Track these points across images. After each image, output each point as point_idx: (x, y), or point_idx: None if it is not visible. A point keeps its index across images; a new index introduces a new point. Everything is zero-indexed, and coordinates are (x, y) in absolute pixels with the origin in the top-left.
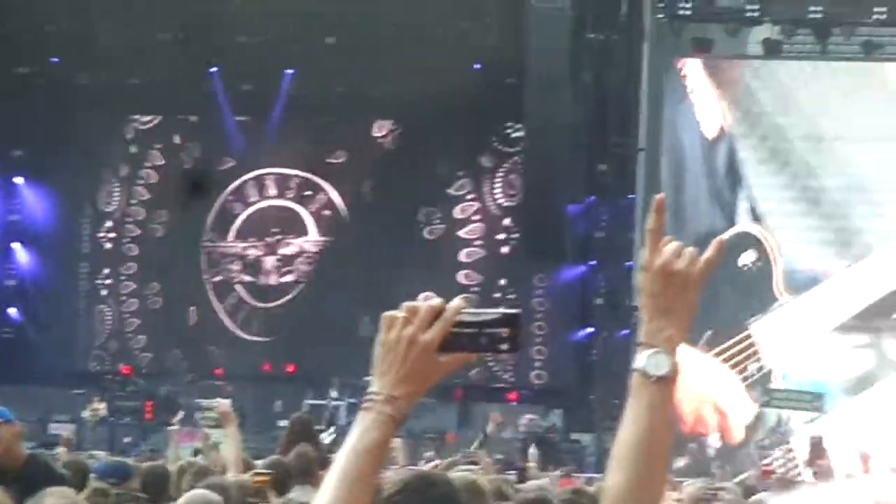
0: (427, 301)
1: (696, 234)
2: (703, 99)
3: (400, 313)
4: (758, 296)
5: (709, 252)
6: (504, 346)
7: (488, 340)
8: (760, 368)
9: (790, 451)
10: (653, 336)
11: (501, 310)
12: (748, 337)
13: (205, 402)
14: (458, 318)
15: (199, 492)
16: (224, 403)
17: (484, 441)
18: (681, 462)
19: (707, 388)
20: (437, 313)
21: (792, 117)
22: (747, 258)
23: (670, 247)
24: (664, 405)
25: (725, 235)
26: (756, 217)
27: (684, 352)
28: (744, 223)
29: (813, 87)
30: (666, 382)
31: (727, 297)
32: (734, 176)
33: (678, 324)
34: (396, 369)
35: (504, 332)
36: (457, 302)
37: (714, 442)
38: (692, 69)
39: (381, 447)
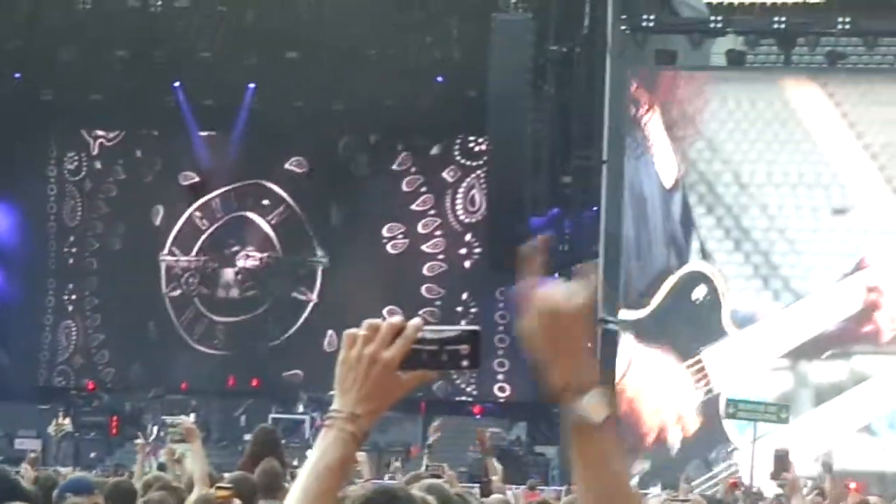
0: (388, 319)
1: (654, 272)
2: (660, 151)
3: (361, 331)
4: (707, 327)
5: (581, 282)
6: (464, 363)
7: (449, 357)
8: (709, 391)
9: (732, 465)
10: (576, 382)
11: (461, 326)
12: (699, 362)
13: (169, 419)
14: (418, 336)
15: None
16: (187, 420)
17: (429, 450)
18: (645, 465)
19: (666, 395)
20: (397, 331)
21: (722, 166)
22: (699, 293)
23: (547, 290)
24: (617, 446)
25: (677, 274)
26: (705, 255)
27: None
28: (695, 262)
29: (737, 137)
30: (611, 423)
31: (681, 328)
32: (687, 220)
33: (588, 362)
34: (358, 387)
35: (464, 348)
36: (417, 320)
37: (675, 443)
38: (653, 125)
39: (343, 465)
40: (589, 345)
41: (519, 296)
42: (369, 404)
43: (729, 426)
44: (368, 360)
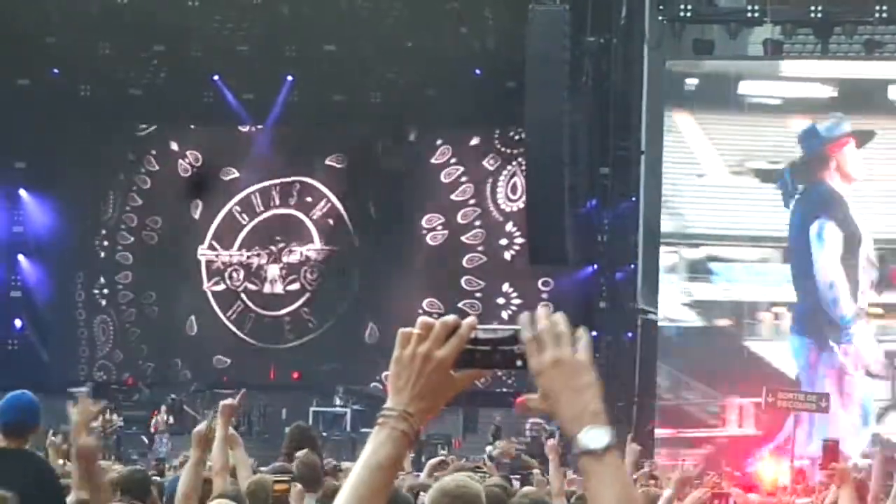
0: (443, 318)
1: None
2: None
3: (415, 329)
4: None
5: (579, 333)
6: (518, 363)
7: (502, 357)
8: None
9: None
10: (578, 420)
11: (514, 326)
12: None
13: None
14: (472, 335)
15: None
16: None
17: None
18: None
19: None
20: (451, 330)
21: None
22: None
23: (547, 337)
24: (622, 472)
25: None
26: None
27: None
28: None
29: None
30: (613, 451)
31: None
32: None
33: (592, 399)
34: (411, 386)
35: (517, 348)
36: (471, 318)
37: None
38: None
39: (395, 463)
40: (590, 384)
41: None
42: (422, 403)
43: None
44: (422, 358)
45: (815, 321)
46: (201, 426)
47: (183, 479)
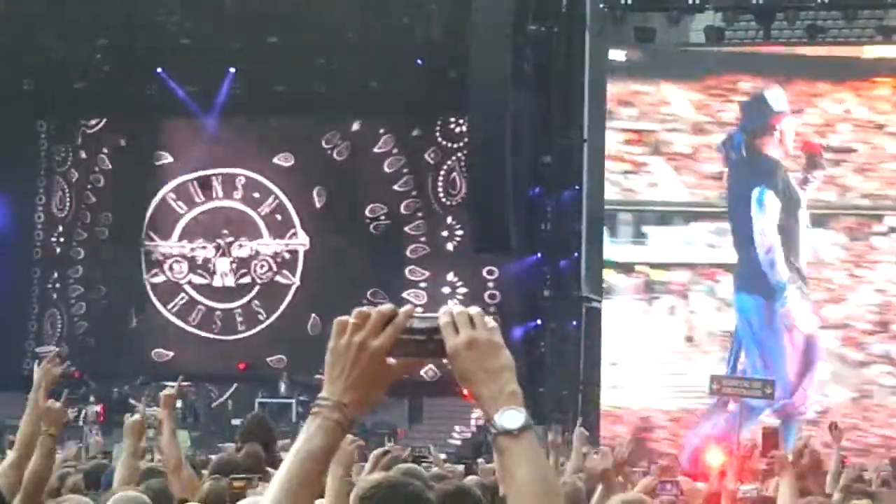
0: (378, 307)
1: None
2: None
3: (351, 319)
4: None
5: (490, 319)
6: None
7: (437, 346)
8: None
9: None
10: (495, 401)
11: None
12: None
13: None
14: (407, 324)
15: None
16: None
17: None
18: None
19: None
20: (387, 319)
21: None
22: None
23: (460, 319)
24: (537, 451)
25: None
26: None
27: None
28: None
29: None
30: (528, 432)
31: None
32: None
33: (508, 380)
34: (346, 376)
35: None
36: (407, 307)
37: None
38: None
39: (327, 452)
40: (501, 367)
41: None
42: (357, 392)
43: None
44: (357, 347)
45: (758, 284)
46: (136, 416)
47: (119, 470)
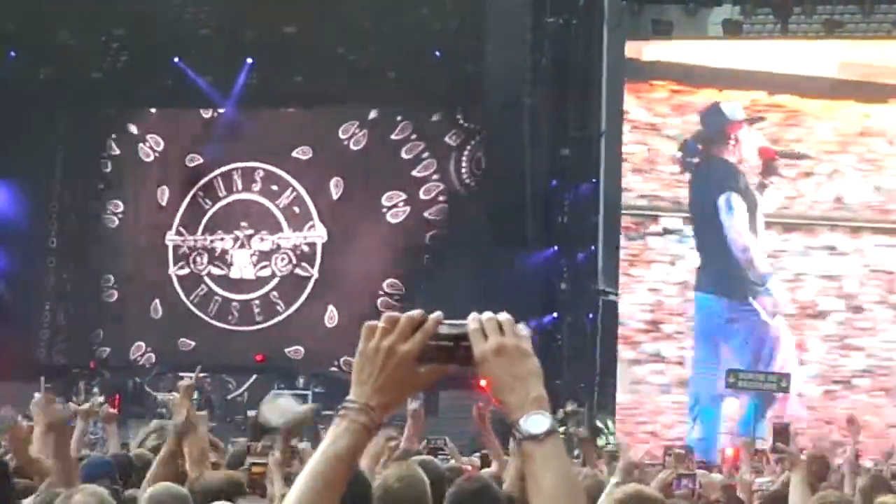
0: (408, 312)
1: None
2: None
3: (380, 323)
4: None
5: (521, 326)
6: None
7: (465, 353)
8: None
9: None
10: (521, 406)
11: None
12: None
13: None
14: (436, 331)
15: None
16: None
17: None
18: None
19: None
20: (416, 325)
21: None
22: None
23: (490, 325)
24: (562, 456)
25: None
26: None
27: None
28: None
29: None
30: (553, 437)
31: None
32: None
33: (535, 386)
34: (374, 380)
35: None
36: (437, 314)
37: None
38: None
39: (353, 454)
40: (532, 371)
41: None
42: (383, 397)
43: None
44: (386, 352)
45: (729, 282)
46: (186, 380)
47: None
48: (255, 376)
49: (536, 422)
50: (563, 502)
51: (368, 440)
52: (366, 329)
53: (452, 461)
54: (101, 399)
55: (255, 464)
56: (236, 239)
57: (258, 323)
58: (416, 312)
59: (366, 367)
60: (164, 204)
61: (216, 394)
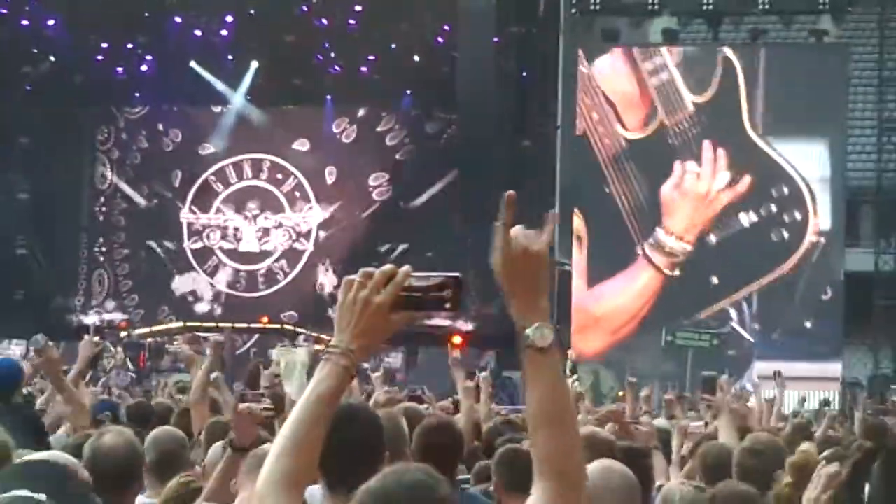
0: (381, 267)
1: None
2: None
3: (357, 277)
4: None
5: (546, 228)
6: (447, 306)
7: (433, 301)
8: None
9: None
10: (530, 314)
11: (445, 274)
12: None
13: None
14: (406, 283)
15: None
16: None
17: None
18: None
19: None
20: (388, 278)
21: None
22: None
23: (518, 232)
24: (558, 368)
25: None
26: None
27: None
28: None
29: None
30: (554, 349)
31: None
32: None
33: (543, 297)
34: (353, 326)
35: (447, 293)
36: (406, 267)
37: None
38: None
39: (336, 394)
40: (544, 283)
41: (495, 236)
42: (362, 341)
43: None
44: (363, 303)
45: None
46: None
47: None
48: (257, 336)
49: (542, 334)
50: (555, 406)
51: (350, 381)
52: (345, 283)
53: (430, 408)
54: (118, 351)
55: (265, 409)
56: (245, 217)
57: (261, 290)
58: (388, 267)
59: (345, 315)
60: (177, 186)
61: (227, 352)
